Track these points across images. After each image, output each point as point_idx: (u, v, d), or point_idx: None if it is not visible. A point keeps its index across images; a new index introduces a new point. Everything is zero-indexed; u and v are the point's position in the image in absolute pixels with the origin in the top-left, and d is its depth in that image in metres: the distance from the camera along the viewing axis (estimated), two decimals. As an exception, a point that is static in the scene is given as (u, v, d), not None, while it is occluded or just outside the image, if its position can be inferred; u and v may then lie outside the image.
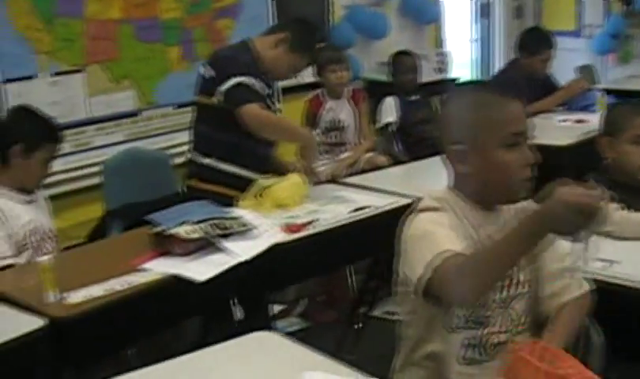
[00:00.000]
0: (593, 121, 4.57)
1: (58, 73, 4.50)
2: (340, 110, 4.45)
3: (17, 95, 4.30)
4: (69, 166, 4.53)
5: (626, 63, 7.94)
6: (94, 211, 4.27)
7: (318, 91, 4.58)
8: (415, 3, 6.74)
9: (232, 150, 3.47)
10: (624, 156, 2.81)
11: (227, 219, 2.83)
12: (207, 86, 3.53)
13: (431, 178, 3.97)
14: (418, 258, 1.84)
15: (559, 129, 4.57)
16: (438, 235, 1.85)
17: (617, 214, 2.63)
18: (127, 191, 4.04)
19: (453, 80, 6.67)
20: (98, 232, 4.04)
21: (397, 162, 4.36)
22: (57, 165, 4.40)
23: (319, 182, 3.70)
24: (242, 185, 3.36)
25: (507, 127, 1.91)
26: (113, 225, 3.97)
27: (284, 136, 3.58)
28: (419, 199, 2.03)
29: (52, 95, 4.47)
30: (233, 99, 3.42)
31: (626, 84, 5.93)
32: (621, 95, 5.22)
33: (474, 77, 8.80)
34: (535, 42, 5.33)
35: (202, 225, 2.74)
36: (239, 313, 3.03)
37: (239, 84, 3.40)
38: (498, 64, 8.71)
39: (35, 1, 4.34)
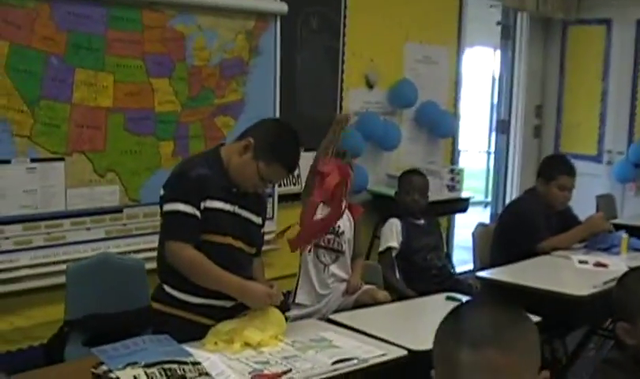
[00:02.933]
0: (614, 266, 4.21)
1: (36, 160, 4.12)
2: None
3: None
4: (38, 261, 4.16)
5: (647, 193, 7.64)
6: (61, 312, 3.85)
7: None
8: (430, 115, 6.42)
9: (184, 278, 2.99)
10: None
11: (183, 363, 2.41)
12: (160, 205, 3.08)
13: (432, 322, 3.50)
14: None
15: (577, 274, 4.14)
16: None
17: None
18: (93, 300, 3.62)
19: (466, 199, 6.29)
20: (56, 343, 3.64)
21: (400, 297, 3.90)
22: (24, 259, 4.13)
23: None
24: (213, 313, 2.98)
25: None
26: (71, 337, 3.57)
27: (214, 286, 2.96)
28: None
29: (28, 183, 4.10)
30: (163, 229, 3.05)
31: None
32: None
33: (489, 193, 8.50)
34: (551, 167, 4.92)
35: (152, 370, 2.33)
36: None
37: (171, 213, 2.95)
38: (511, 181, 8.43)
39: (17, 83, 3.98)
